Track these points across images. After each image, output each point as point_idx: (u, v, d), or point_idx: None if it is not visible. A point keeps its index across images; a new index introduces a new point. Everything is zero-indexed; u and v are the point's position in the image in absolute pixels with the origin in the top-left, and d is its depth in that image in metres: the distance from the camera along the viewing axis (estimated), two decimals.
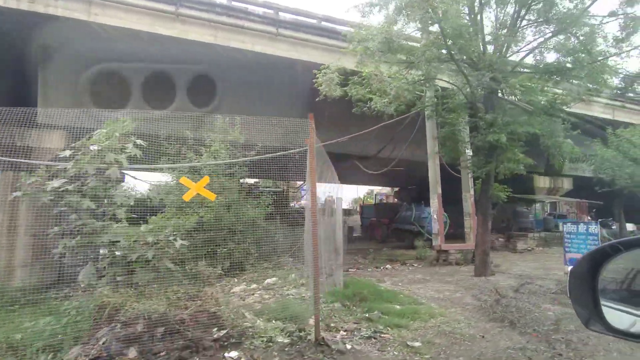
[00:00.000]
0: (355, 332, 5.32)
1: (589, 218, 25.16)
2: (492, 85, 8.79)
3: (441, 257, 12.91)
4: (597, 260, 1.32)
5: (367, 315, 6.09)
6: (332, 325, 5.51)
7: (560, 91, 10.34)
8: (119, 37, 10.31)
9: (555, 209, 29.77)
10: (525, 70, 10.10)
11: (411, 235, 18.38)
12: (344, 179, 15.75)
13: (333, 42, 12.12)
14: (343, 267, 11.92)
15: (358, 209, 32.76)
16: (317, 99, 9.62)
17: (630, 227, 22.35)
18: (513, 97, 10.09)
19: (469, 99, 9.90)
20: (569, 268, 8.05)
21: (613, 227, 23.69)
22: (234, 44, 11.15)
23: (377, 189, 42.07)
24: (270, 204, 10.48)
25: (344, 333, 5.28)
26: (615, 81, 13.05)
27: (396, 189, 35.05)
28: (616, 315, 1.28)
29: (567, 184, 22.18)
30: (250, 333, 4.86)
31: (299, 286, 7.31)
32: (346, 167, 16.33)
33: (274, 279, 7.85)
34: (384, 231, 21.67)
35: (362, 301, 6.72)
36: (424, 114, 11.86)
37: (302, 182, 16.88)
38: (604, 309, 1.29)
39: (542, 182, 21.67)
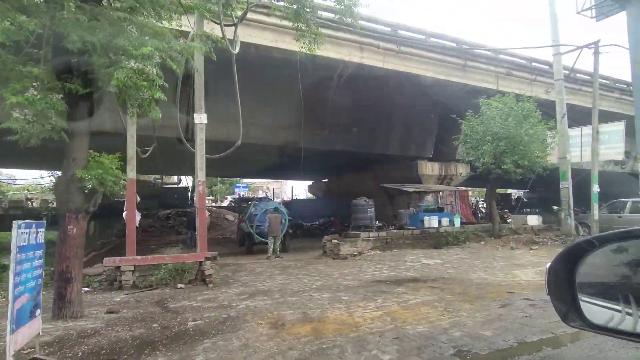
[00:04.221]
0: None
1: (483, 211, 21.68)
2: None
3: (119, 278, 8.63)
4: (574, 255, 1.35)
5: None
6: None
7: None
8: None
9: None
10: None
11: (248, 238, 15.27)
12: None
13: None
14: None
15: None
16: None
17: (533, 220, 18.17)
18: None
19: None
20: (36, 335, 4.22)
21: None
22: None
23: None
24: None
25: None
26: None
27: (310, 182, 33.10)
28: (594, 310, 1.29)
29: (462, 170, 19.38)
30: None
31: None
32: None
33: None
34: (242, 233, 16.56)
35: None
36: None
37: None
38: (582, 304, 1.29)
39: (430, 168, 19.04)
